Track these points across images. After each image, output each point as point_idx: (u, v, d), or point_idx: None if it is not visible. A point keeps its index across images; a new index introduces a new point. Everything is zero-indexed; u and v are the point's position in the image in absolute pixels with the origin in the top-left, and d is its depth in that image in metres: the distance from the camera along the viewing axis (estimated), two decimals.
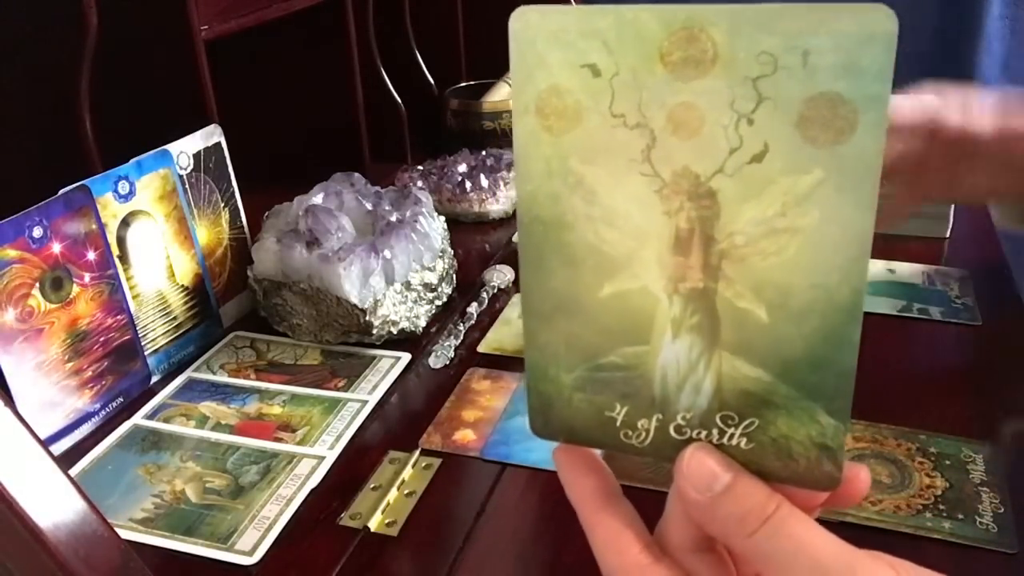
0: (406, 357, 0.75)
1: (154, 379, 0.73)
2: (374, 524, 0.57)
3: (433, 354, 0.76)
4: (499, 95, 1.21)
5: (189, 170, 0.76)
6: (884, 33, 0.23)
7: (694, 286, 0.28)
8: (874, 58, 0.24)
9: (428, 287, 0.80)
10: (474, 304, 0.83)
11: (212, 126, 0.78)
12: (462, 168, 1.06)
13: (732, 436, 0.29)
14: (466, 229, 1.00)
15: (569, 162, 0.28)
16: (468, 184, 1.02)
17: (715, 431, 0.29)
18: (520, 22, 0.27)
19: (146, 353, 0.72)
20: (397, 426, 0.68)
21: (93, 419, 0.67)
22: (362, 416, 0.68)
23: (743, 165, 0.26)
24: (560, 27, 0.26)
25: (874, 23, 0.23)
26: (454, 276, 0.85)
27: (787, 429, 0.28)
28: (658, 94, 0.26)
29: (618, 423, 0.31)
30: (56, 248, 0.64)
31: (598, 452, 0.33)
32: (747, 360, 0.28)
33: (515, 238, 0.98)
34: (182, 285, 0.76)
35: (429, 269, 0.80)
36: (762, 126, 0.25)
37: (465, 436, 0.65)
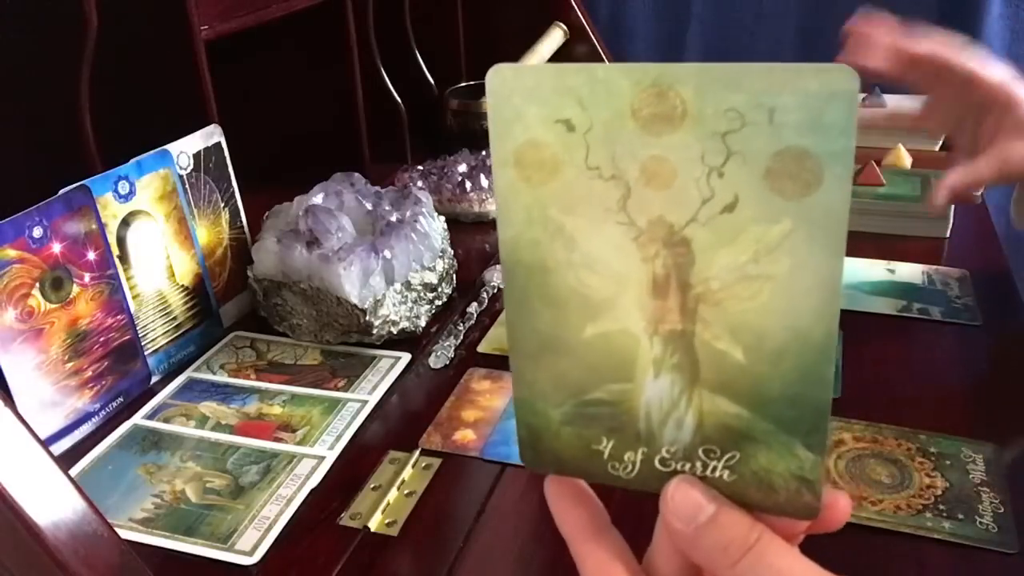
0: (406, 357, 0.75)
1: (154, 379, 0.73)
2: (374, 524, 0.57)
3: (433, 354, 0.76)
4: None
5: (189, 170, 0.76)
6: (846, 92, 0.24)
7: (673, 328, 0.29)
8: (837, 115, 0.24)
9: (428, 287, 0.80)
10: (474, 304, 0.83)
11: (212, 126, 0.78)
12: (462, 168, 1.06)
13: (715, 469, 0.30)
14: (466, 229, 1.00)
15: (549, 211, 0.29)
16: (468, 184, 1.02)
17: (698, 464, 0.30)
18: (497, 79, 0.28)
19: (146, 353, 0.72)
20: (397, 426, 0.68)
21: (93, 419, 0.67)
22: (362, 416, 0.68)
23: (715, 215, 0.27)
24: (535, 84, 0.28)
25: (836, 82, 0.24)
26: (454, 276, 0.85)
27: (767, 462, 0.29)
28: (631, 148, 0.27)
29: (605, 456, 0.31)
30: (56, 248, 0.64)
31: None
32: (727, 397, 0.29)
33: None
34: (182, 285, 0.76)
35: (429, 269, 0.80)
36: (732, 179, 0.26)
37: (465, 436, 0.65)
